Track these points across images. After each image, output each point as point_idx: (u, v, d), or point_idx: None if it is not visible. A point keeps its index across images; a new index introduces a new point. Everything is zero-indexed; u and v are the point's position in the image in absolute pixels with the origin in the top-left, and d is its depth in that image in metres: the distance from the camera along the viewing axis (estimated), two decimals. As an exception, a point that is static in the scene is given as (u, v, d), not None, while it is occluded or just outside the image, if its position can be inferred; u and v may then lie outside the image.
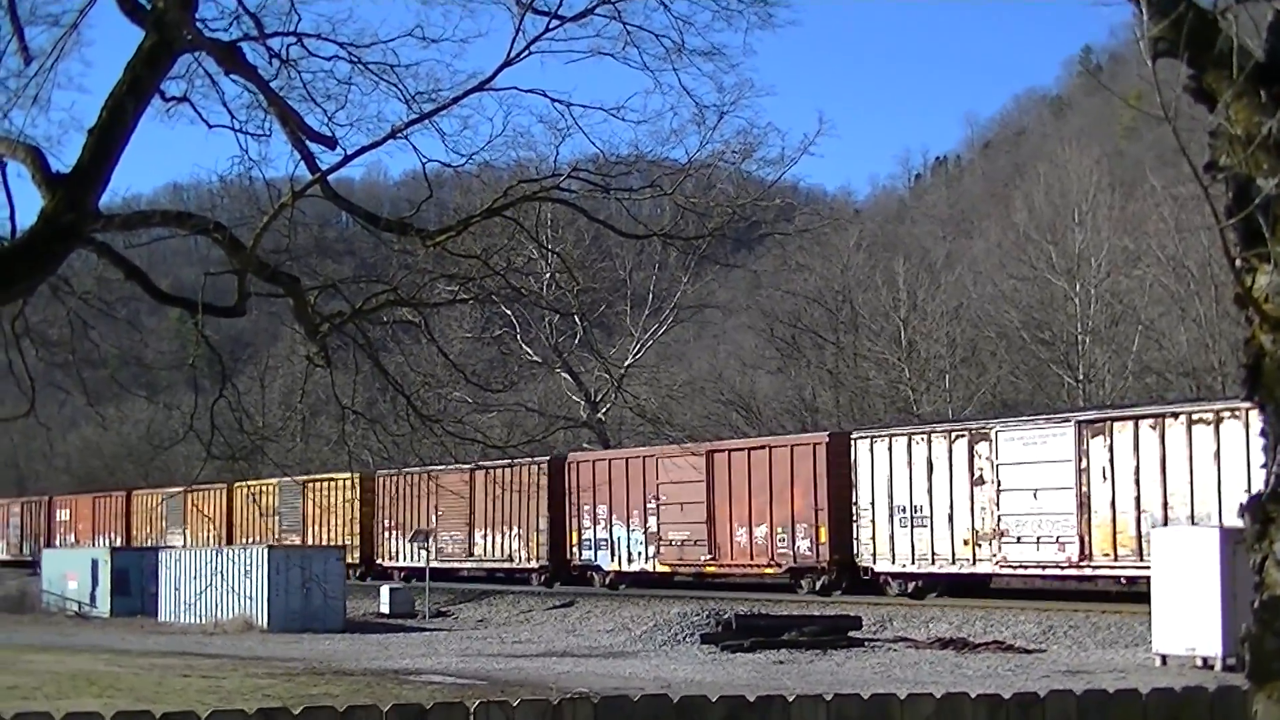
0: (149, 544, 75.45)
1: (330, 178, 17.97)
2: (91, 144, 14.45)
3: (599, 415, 78.73)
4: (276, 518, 74.37)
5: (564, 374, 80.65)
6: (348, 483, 68.98)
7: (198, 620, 55.12)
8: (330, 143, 17.35)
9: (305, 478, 74.89)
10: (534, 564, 61.49)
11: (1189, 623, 32.20)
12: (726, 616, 42.72)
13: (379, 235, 19.53)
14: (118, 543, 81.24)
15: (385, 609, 58.20)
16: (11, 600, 67.77)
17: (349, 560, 64.70)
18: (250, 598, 53.88)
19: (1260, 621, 5.60)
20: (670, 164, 23.20)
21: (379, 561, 70.27)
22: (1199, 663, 32.01)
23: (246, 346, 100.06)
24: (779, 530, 50.57)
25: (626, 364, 78.62)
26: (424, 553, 59.67)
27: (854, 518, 48.27)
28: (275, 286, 17.33)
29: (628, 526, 57.13)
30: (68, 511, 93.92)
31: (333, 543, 67.92)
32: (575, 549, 59.67)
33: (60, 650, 43.33)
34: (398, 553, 68.83)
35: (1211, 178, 5.75)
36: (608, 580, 57.98)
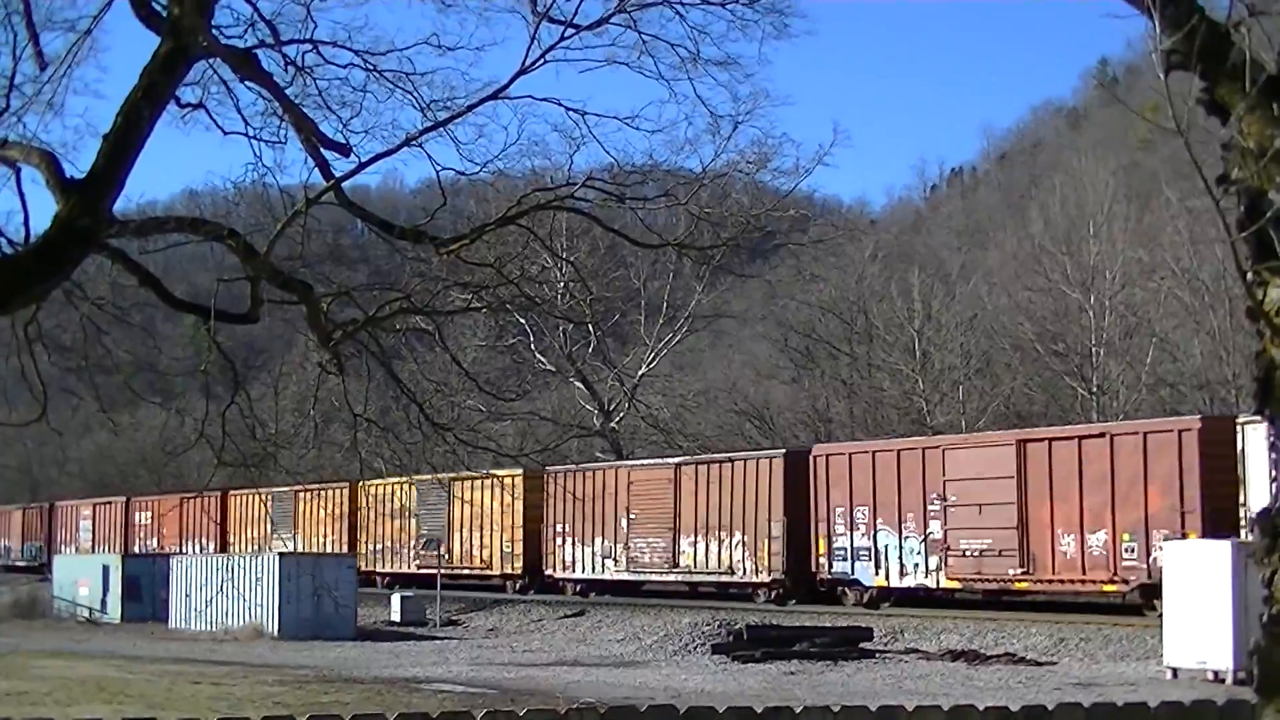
0: (252, 550, 70.75)
1: (346, 185, 18.02)
2: (106, 149, 14.45)
3: (612, 424, 78.74)
4: (412, 520, 68.20)
5: (577, 383, 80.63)
6: (511, 481, 58.62)
7: (208, 627, 55.16)
8: (345, 150, 17.36)
9: (454, 475, 65.48)
10: (764, 576, 53.47)
11: (1200, 636, 32.14)
12: (738, 627, 42.69)
13: (393, 243, 19.51)
14: (211, 549, 76.75)
15: (396, 617, 58.21)
16: (22, 606, 67.83)
17: (508, 570, 64.48)
18: (261, 605, 53.92)
19: (1270, 635, 5.59)
20: (685, 173, 23.22)
21: (548, 572, 62.71)
22: (1210, 676, 31.94)
23: (259, 353, 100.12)
24: (1125, 537, 42.43)
25: (640, 373, 78.69)
26: (610, 562, 59.39)
27: (1241, 522, 38.10)
28: (289, 294, 17.33)
29: (899, 532, 48.56)
30: (148, 514, 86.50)
31: (490, 551, 65.26)
32: (824, 560, 50.95)
33: (71, 656, 43.38)
34: (574, 562, 61.41)
35: (1224, 191, 5.74)
36: (866, 598, 49.72)
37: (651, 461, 52.89)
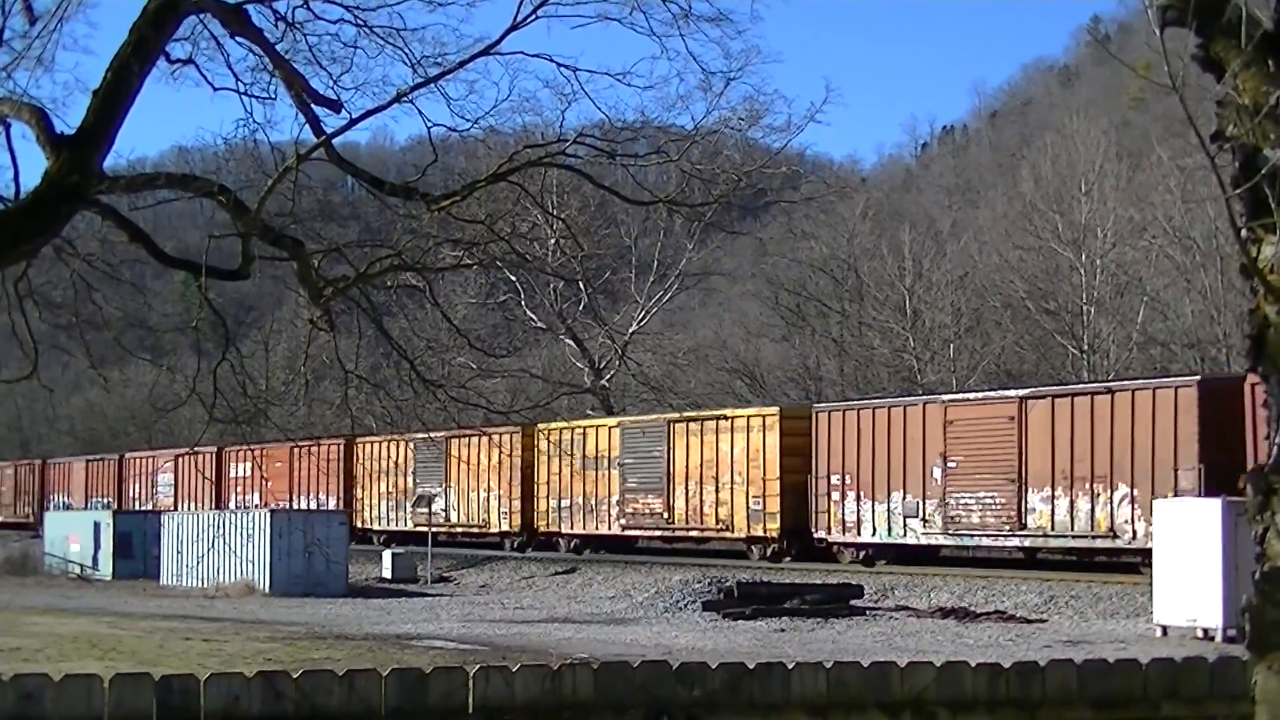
0: (383, 509, 69.61)
1: (336, 142, 17.94)
2: (96, 105, 14.39)
3: (603, 382, 78.77)
4: (616, 470, 57.60)
5: (568, 340, 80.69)
6: (765, 421, 52.15)
7: (200, 584, 55.17)
8: (335, 106, 17.32)
9: (695, 414, 58.54)
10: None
11: (1190, 594, 32.23)
12: (728, 584, 42.75)
13: (384, 200, 19.48)
14: (331, 504, 70.72)
15: (388, 574, 58.26)
16: (14, 563, 67.89)
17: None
18: (252, 561, 53.93)
19: (1261, 593, 5.59)
20: (676, 130, 23.18)
21: (819, 535, 50.33)
22: (1200, 634, 32.04)
23: (250, 310, 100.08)
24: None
25: (631, 331, 78.72)
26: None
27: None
28: (279, 250, 17.29)
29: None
30: (246, 465, 74.82)
31: (750, 510, 52.70)
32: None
33: (62, 613, 43.42)
34: (857, 524, 48.94)
35: (1219, 148, 5.72)
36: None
37: (996, 395, 45.86)
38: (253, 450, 57.89)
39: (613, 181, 25.21)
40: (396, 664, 22.43)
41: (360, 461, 69.65)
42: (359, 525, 68.13)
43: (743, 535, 53.03)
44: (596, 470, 57.75)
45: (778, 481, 51.17)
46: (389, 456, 68.46)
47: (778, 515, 51.23)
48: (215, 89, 17.57)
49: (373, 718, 7.23)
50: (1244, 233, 5.72)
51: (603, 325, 79.98)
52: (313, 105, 16.99)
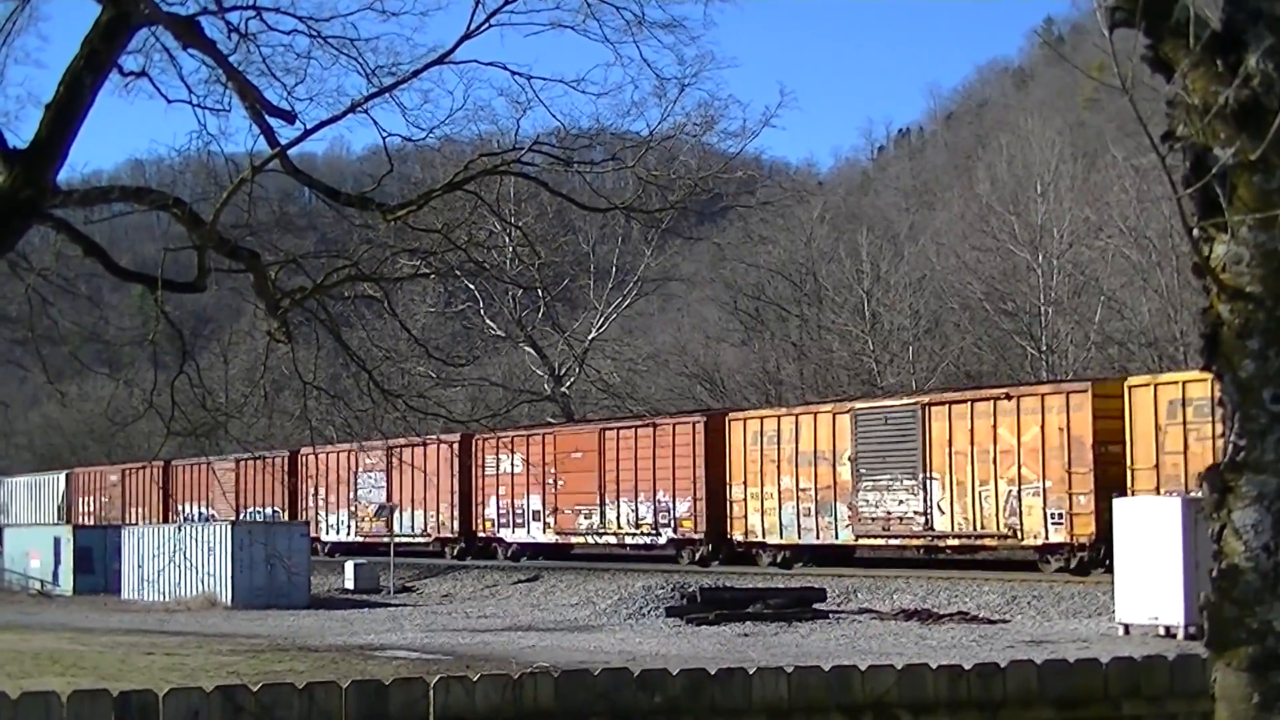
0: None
1: (293, 153, 17.93)
2: (49, 119, 14.36)
3: (563, 389, 78.73)
4: (846, 467, 47.75)
5: (527, 348, 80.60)
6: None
7: (161, 598, 54.98)
8: (289, 117, 17.28)
9: (951, 394, 48.24)
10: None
11: (1151, 592, 32.34)
12: (691, 590, 42.75)
13: (340, 210, 19.46)
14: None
15: (350, 585, 58.13)
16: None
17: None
18: (213, 574, 53.77)
19: (1219, 590, 5.61)
20: (632, 137, 23.21)
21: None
22: (1162, 632, 32.16)
23: (208, 323, 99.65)
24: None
25: (590, 338, 78.73)
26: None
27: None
28: (236, 262, 17.26)
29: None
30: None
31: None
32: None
33: (23, 629, 43.19)
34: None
35: (1169, 148, 5.74)
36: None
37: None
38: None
39: (569, 188, 25.26)
40: (359, 675, 22.37)
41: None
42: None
43: (1038, 543, 43.33)
44: (815, 465, 48.65)
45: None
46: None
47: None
48: (169, 101, 17.54)
49: (334, 730, 7.21)
50: (1196, 232, 5.74)
51: (562, 332, 79.95)
52: (267, 116, 16.96)
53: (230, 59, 16.77)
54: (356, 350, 20.29)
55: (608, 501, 56.01)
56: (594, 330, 79.11)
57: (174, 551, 54.00)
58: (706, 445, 52.30)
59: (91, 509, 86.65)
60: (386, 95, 18.03)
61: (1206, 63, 5.61)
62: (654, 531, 54.55)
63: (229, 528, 55.27)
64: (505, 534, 60.95)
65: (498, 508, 61.18)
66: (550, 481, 58.49)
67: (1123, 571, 33.54)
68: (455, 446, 58.53)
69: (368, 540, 67.20)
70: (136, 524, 68.90)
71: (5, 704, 6.81)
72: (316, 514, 69.92)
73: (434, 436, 52.85)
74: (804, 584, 44.36)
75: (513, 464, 59.26)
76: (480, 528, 62.04)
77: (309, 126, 17.77)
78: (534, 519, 59.69)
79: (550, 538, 59.25)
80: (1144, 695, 8.26)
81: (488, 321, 79.54)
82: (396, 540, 63.11)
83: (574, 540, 59.21)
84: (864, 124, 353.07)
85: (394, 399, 20.81)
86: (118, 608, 54.46)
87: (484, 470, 61.51)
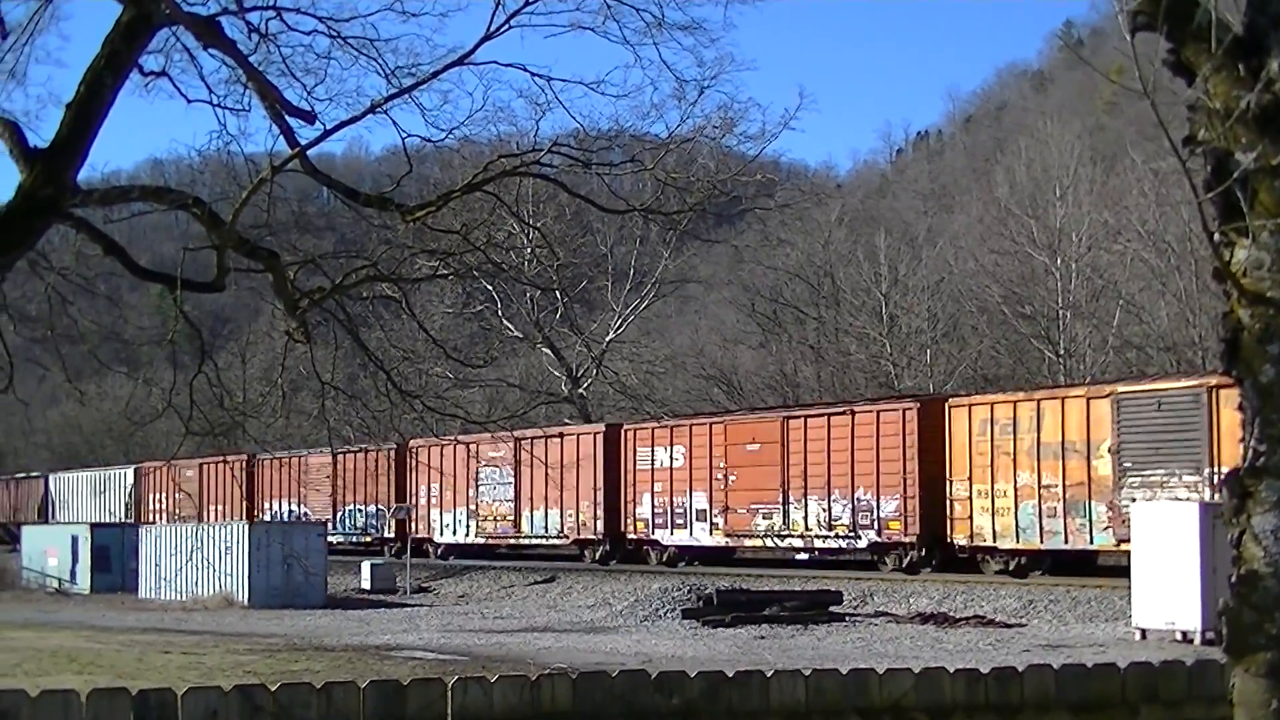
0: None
1: (311, 153, 17.97)
2: (69, 119, 14.39)
3: (580, 390, 78.74)
4: (1105, 459, 41.38)
5: (545, 349, 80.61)
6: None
7: (178, 596, 55.04)
8: (309, 117, 17.31)
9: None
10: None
11: (1169, 597, 32.28)
12: (708, 592, 42.73)
13: (359, 210, 19.49)
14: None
15: (366, 585, 58.16)
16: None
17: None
18: (230, 574, 53.84)
19: (1237, 596, 5.61)
20: (651, 139, 23.22)
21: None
22: (1179, 637, 32.09)
23: (226, 322, 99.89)
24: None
25: (608, 339, 78.71)
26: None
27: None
28: (255, 262, 17.29)
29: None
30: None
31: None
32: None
33: (40, 627, 43.26)
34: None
35: (1190, 152, 5.74)
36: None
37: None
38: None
39: (588, 190, 25.27)
40: (375, 675, 22.39)
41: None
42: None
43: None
44: (1062, 459, 42.74)
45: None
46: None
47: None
48: (189, 101, 17.58)
49: (351, 730, 7.22)
50: (1216, 236, 5.74)
51: (579, 334, 79.94)
52: (287, 116, 16.98)
53: (250, 59, 16.81)
54: (374, 350, 20.33)
55: (793, 500, 49.64)
56: (611, 332, 79.10)
57: (191, 551, 54.04)
58: (920, 435, 45.83)
59: (164, 506, 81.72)
60: (406, 96, 18.06)
61: (1228, 67, 5.60)
62: (851, 533, 48.03)
63: (245, 527, 55.31)
64: (661, 536, 54.98)
65: (652, 506, 55.18)
66: (720, 477, 52.64)
67: (1140, 576, 33.48)
68: (600, 438, 56.49)
69: (492, 542, 63.41)
70: (216, 520, 67.82)
71: (25, 702, 6.83)
72: (429, 512, 65.10)
73: (574, 427, 51.57)
74: (820, 586, 44.33)
75: (671, 457, 54.19)
76: (630, 529, 56.18)
77: (328, 127, 17.81)
78: (698, 519, 53.42)
79: (717, 540, 53.12)
80: (1161, 700, 8.25)
81: (505, 322, 79.55)
82: (526, 542, 60.73)
83: (748, 543, 53.00)
84: (882, 127, 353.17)
85: (411, 399, 20.85)
86: (135, 606, 54.52)
87: (635, 464, 55.76)
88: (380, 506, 67.14)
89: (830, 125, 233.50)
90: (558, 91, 19.39)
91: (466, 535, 63.60)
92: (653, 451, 54.98)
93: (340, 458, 66.32)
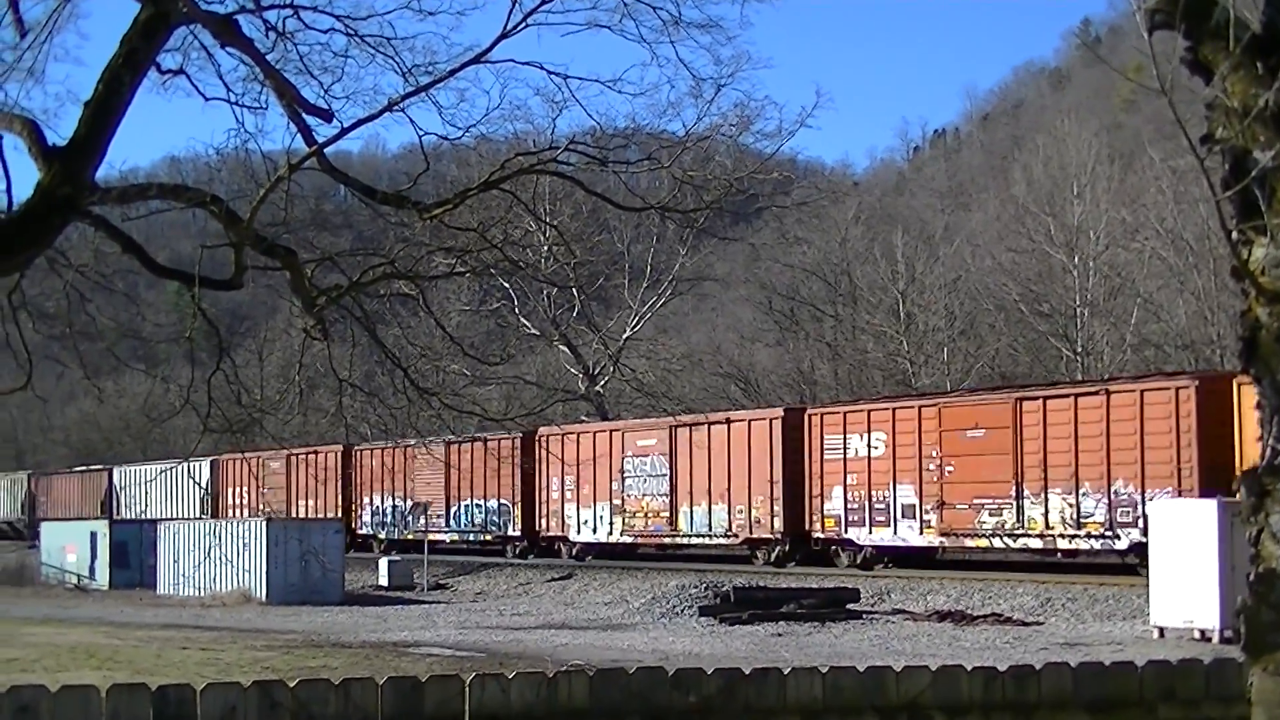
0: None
1: (328, 151, 17.98)
2: (87, 117, 14.41)
3: (597, 388, 78.75)
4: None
5: (562, 347, 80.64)
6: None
7: (196, 593, 55.15)
8: (326, 115, 17.33)
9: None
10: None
11: (1187, 595, 32.23)
12: (725, 589, 42.72)
13: (376, 208, 19.51)
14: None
15: (384, 581, 58.21)
16: (10, 573, 67.79)
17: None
18: (248, 570, 53.94)
19: (1255, 594, 5.61)
20: (668, 137, 23.24)
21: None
22: (1197, 635, 32.05)
23: (244, 320, 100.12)
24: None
25: (624, 337, 78.70)
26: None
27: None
28: (272, 259, 17.31)
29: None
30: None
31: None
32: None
33: (59, 623, 43.38)
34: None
35: (1208, 150, 5.74)
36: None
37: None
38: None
39: (605, 188, 25.25)
40: (393, 671, 22.41)
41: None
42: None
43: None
44: None
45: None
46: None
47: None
48: (206, 99, 17.61)
49: (369, 726, 7.23)
50: (1234, 235, 5.73)
51: (596, 331, 79.93)
52: (304, 114, 17.01)
53: (268, 57, 16.83)
54: (391, 348, 20.36)
55: (1028, 494, 43.60)
56: (628, 329, 79.09)
57: (209, 547, 54.14)
58: (1198, 420, 39.70)
59: (244, 500, 76.90)
60: (423, 94, 18.06)
61: (1246, 65, 5.60)
62: (1108, 533, 41.81)
63: (263, 524, 55.39)
64: (856, 534, 48.48)
65: (845, 501, 48.71)
66: (933, 468, 46.18)
67: (1158, 574, 33.44)
68: (779, 424, 51.01)
69: (641, 541, 57.53)
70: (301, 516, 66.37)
71: (45, 697, 6.85)
72: (562, 507, 59.19)
73: (744, 412, 49.20)
74: (838, 584, 44.29)
75: (869, 444, 48.03)
76: (817, 526, 49.64)
77: (346, 125, 17.83)
78: (904, 516, 47.27)
79: (928, 539, 46.91)
80: (1179, 699, 8.23)
81: (522, 320, 79.56)
82: (684, 541, 55.39)
83: (969, 543, 46.42)
84: (899, 125, 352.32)
85: (429, 397, 20.87)
86: (153, 602, 54.64)
87: (823, 453, 49.45)
88: (504, 501, 62.22)
89: (847, 123, 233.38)
90: (574, 89, 19.39)
91: (610, 534, 57.73)
92: (844, 438, 48.74)
93: (456, 447, 58.43)
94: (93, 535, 65.13)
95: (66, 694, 6.90)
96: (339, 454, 68.56)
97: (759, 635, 37.19)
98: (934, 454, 46.09)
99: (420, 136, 19.07)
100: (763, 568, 50.08)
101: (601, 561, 56.34)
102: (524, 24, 18.01)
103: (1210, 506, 32.62)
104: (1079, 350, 68.07)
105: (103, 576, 63.07)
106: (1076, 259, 68.98)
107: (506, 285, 69.05)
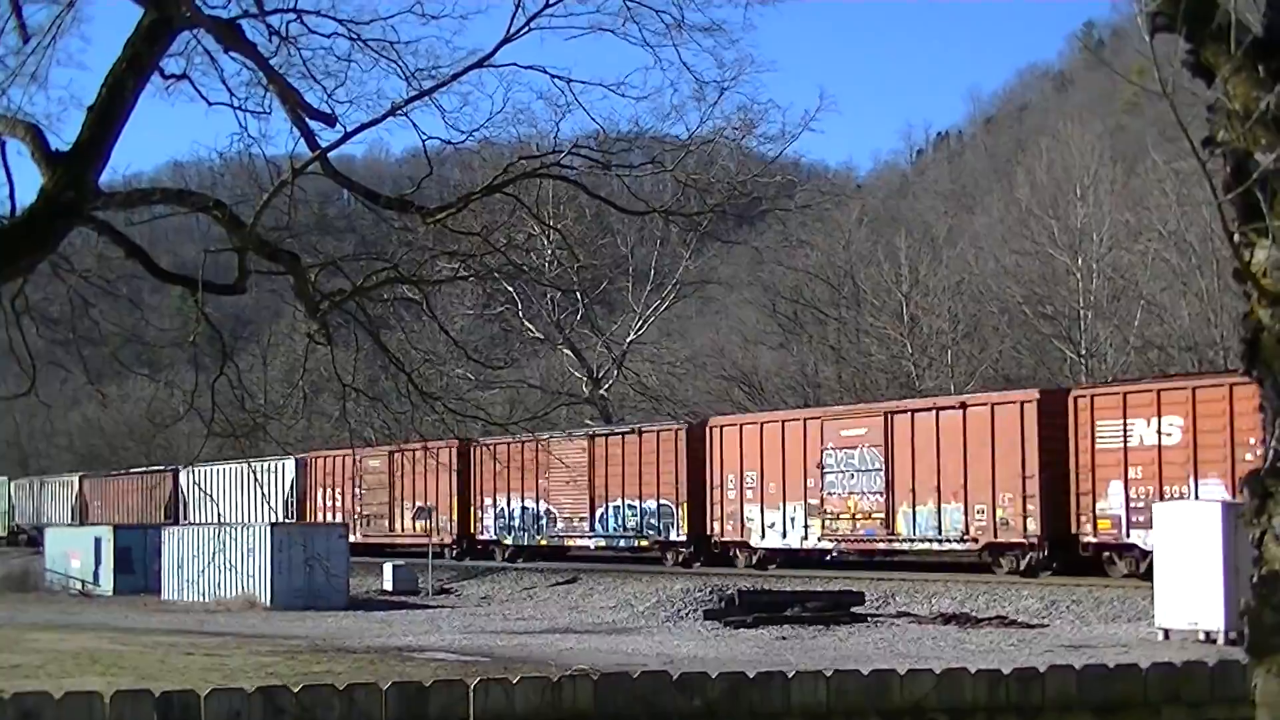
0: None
1: (332, 155, 17.99)
2: (91, 121, 14.42)
3: (601, 392, 78.73)
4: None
5: (566, 350, 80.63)
6: None
7: (201, 598, 55.16)
8: (330, 120, 17.34)
9: None
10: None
11: (1191, 597, 32.20)
12: (730, 593, 42.71)
13: (379, 213, 19.53)
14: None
15: (388, 586, 58.21)
16: (15, 579, 67.82)
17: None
18: (253, 575, 53.94)
19: (1259, 596, 5.60)
20: (671, 140, 23.29)
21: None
22: (1201, 637, 32.02)
23: (247, 324, 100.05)
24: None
25: (628, 340, 78.71)
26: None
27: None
28: (276, 264, 17.32)
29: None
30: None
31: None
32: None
33: (64, 629, 43.37)
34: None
35: (1210, 153, 5.74)
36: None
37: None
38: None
39: (608, 192, 25.28)
40: (398, 676, 22.41)
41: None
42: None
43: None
44: None
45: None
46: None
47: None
48: (210, 104, 17.62)
49: (373, 731, 7.23)
50: (1237, 237, 5.73)
51: (600, 335, 79.93)
52: (307, 119, 17.02)
53: (271, 62, 16.85)
54: (395, 352, 20.37)
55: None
56: (632, 333, 79.07)
57: (214, 553, 54.12)
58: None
59: (337, 503, 71.64)
60: (426, 98, 18.09)
61: (1248, 68, 5.60)
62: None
63: (268, 529, 55.40)
64: (1142, 538, 39.94)
65: (1126, 499, 41.06)
66: (1249, 458, 36.40)
67: (1163, 576, 33.42)
68: (1032, 407, 43.58)
69: (847, 546, 50.25)
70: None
71: (49, 703, 6.85)
72: (740, 508, 52.47)
73: (982, 395, 43.18)
74: (842, 587, 44.28)
75: (1159, 431, 40.37)
76: (1088, 529, 42.17)
77: (349, 129, 17.84)
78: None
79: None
80: (1184, 701, 8.24)
81: (526, 324, 79.54)
82: (903, 546, 48.27)
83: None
84: (903, 127, 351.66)
85: (432, 401, 20.88)
86: (157, 608, 54.63)
87: (1094, 441, 41.98)
88: (665, 501, 55.31)
89: (850, 126, 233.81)
90: (578, 93, 19.42)
91: (804, 538, 50.61)
92: (1124, 424, 41.18)
93: (599, 440, 55.96)
94: (97, 540, 65.13)
95: (70, 700, 6.91)
96: (454, 450, 58.84)
97: (764, 639, 37.18)
98: (1250, 443, 37.09)
99: (424, 141, 19.11)
100: (1007, 575, 43.94)
101: (620, 566, 54.65)
102: (527, 28, 18.05)
103: (1214, 509, 32.60)
104: (1083, 352, 68.04)
105: (107, 582, 63.07)
106: (1080, 261, 68.96)
107: (510, 289, 69.01)
